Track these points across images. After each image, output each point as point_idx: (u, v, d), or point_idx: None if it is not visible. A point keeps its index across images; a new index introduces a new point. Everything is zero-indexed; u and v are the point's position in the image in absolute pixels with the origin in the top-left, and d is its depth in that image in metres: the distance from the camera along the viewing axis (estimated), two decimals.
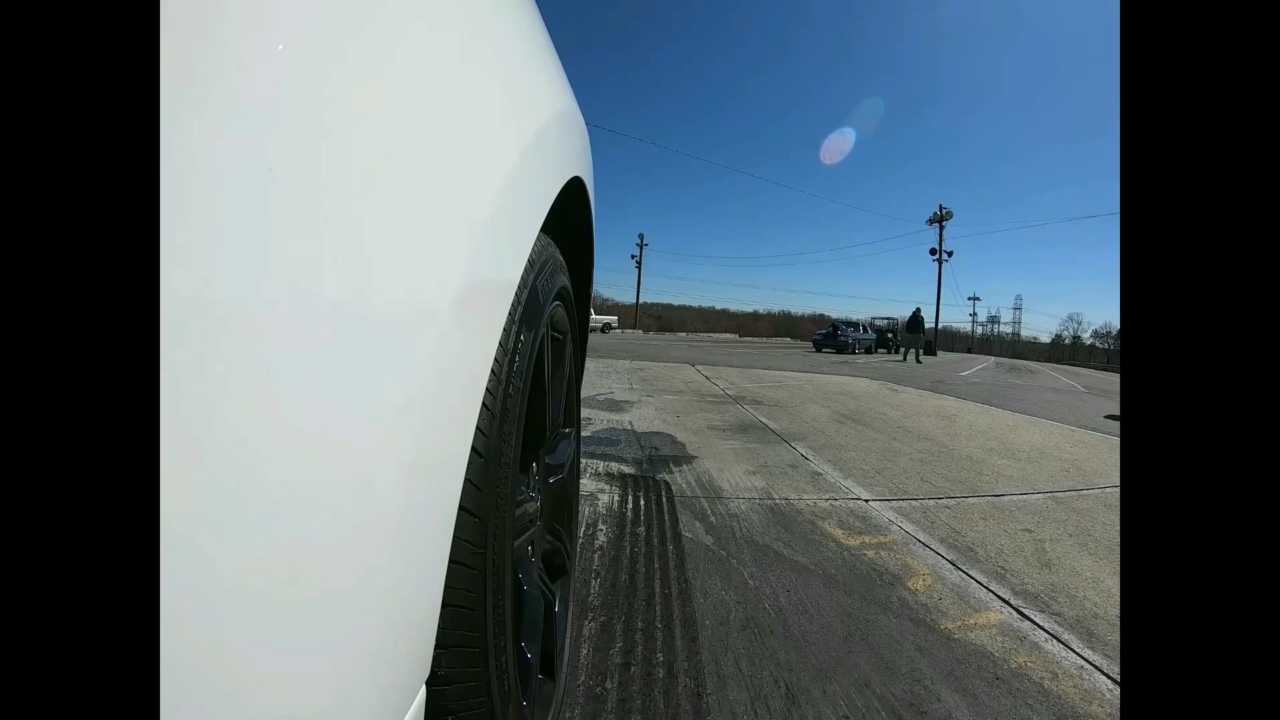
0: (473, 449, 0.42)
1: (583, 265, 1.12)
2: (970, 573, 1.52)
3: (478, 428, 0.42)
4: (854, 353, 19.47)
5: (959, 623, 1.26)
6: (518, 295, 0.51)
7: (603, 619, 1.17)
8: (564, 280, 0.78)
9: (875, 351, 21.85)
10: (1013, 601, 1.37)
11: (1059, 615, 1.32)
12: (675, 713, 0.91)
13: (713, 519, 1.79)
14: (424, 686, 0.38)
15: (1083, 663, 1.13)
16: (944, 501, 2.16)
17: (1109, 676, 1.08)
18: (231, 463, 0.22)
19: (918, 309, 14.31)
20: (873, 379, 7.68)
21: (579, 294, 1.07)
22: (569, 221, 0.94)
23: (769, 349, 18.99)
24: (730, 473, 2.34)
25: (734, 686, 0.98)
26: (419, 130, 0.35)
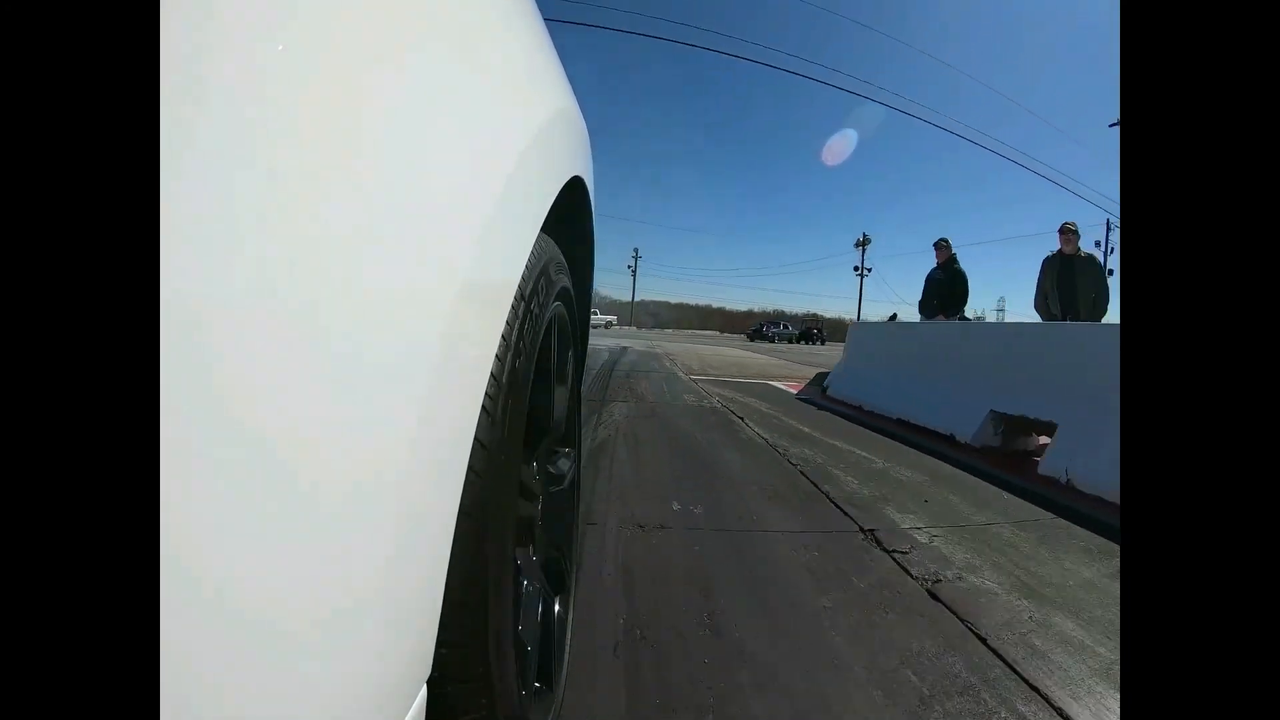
0: (474, 448, 0.41)
1: (583, 264, 1.12)
2: (697, 378, 5.91)
3: (478, 427, 0.42)
4: (774, 342, 25.69)
5: (688, 376, 5.75)
6: (518, 295, 0.51)
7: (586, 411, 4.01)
8: (565, 280, 0.77)
9: (796, 342, 28.15)
10: (706, 381, 5.76)
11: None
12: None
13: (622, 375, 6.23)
14: (425, 686, 0.38)
15: (711, 388, 5.47)
16: (710, 374, 6.58)
17: (707, 377, 5.38)
18: (231, 462, 0.22)
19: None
20: (743, 349, 13.70)
21: (579, 293, 1.04)
22: (569, 221, 0.94)
23: (730, 340, 24.88)
24: (643, 372, 6.67)
25: (619, 400, 5.40)
26: (419, 131, 0.35)
